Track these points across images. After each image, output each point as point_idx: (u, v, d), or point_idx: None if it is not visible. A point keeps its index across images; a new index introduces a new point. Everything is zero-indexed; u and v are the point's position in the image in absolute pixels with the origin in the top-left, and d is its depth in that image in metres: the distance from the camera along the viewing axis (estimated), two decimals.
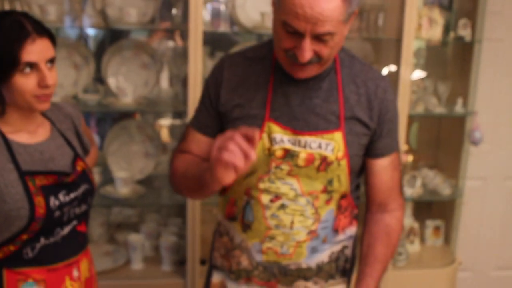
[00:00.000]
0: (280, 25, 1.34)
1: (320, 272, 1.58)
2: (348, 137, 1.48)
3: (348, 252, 1.62)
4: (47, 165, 1.48)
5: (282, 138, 1.46)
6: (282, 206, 1.49)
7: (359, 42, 2.97)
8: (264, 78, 1.50)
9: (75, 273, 1.55)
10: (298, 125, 1.46)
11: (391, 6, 2.64)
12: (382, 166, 1.56)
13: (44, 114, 1.56)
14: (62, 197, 1.48)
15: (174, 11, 2.65)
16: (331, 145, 1.46)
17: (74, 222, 1.55)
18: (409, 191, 2.78)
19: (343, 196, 1.55)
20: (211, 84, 1.55)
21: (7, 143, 1.44)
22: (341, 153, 1.47)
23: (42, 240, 1.48)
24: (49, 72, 1.42)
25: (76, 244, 1.57)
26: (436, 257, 3.00)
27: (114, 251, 2.77)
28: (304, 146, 1.46)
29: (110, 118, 3.17)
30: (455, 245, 3.07)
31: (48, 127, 1.56)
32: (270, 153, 1.46)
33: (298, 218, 1.50)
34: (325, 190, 1.50)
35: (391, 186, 1.58)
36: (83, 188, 1.55)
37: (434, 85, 2.86)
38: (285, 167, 1.47)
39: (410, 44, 2.53)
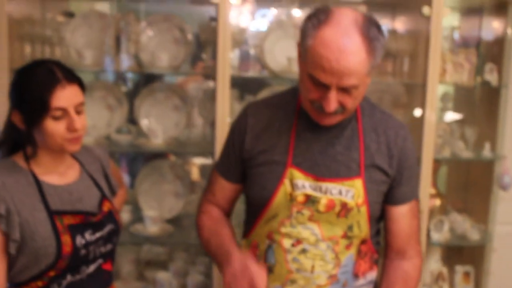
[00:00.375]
0: (307, 77, 1.40)
1: None
2: (368, 184, 1.52)
3: None
4: (75, 205, 1.56)
5: (304, 184, 1.50)
6: (303, 251, 1.52)
7: (393, 85, 3.01)
8: (287, 124, 1.55)
9: None
10: (320, 172, 1.51)
11: (417, 51, 2.68)
12: (401, 213, 1.59)
13: (74, 156, 1.64)
14: (88, 236, 1.55)
15: (204, 55, 2.75)
16: (351, 191, 1.50)
17: (100, 261, 1.62)
18: (436, 236, 2.76)
19: (363, 242, 1.58)
20: (236, 131, 1.61)
21: (38, 184, 1.52)
22: (361, 199, 1.51)
23: (69, 277, 1.54)
24: (78, 117, 1.50)
25: (101, 282, 1.63)
26: None
27: None
28: (325, 192, 1.50)
29: (142, 158, 3.26)
30: None
31: (78, 168, 1.64)
32: (291, 198, 1.50)
33: (319, 262, 1.53)
34: (345, 236, 1.53)
35: (409, 233, 1.61)
36: (108, 227, 1.61)
37: (462, 129, 2.87)
38: (306, 212, 1.51)
39: (434, 89, 2.56)
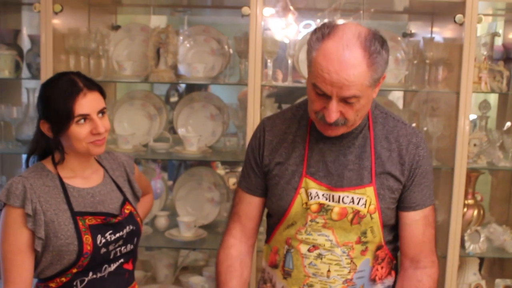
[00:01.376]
0: (311, 87, 1.45)
1: None
2: (379, 191, 1.55)
3: None
4: (97, 207, 1.66)
5: (317, 193, 1.56)
6: (319, 256, 1.57)
7: (424, 94, 2.99)
8: (301, 137, 1.61)
9: None
10: (332, 181, 1.55)
11: (451, 59, 2.65)
12: (413, 220, 1.60)
13: (99, 162, 1.75)
14: (108, 235, 1.64)
15: (241, 66, 2.82)
16: (363, 199, 1.54)
17: (121, 260, 1.70)
18: (471, 247, 2.71)
19: (378, 247, 1.60)
20: (255, 147, 1.67)
21: (64, 187, 1.63)
22: (373, 206, 1.54)
23: (91, 275, 1.63)
24: (101, 121, 1.61)
25: (122, 280, 1.71)
26: None
27: None
28: (338, 201, 1.55)
29: (183, 165, 3.36)
30: None
31: (102, 173, 1.74)
32: (307, 207, 1.56)
33: (335, 267, 1.57)
34: (360, 241, 1.57)
35: (422, 241, 1.61)
36: (128, 229, 1.70)
37: (501, 138, 2.81)
38: (320, 220, 1.56)
39: (468, 97, 2.52)
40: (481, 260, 3.00)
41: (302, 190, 1.57)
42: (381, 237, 1.59)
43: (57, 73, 1.68)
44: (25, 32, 3.03)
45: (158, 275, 2.99)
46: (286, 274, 1.62)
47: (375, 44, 1.40)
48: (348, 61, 1.37)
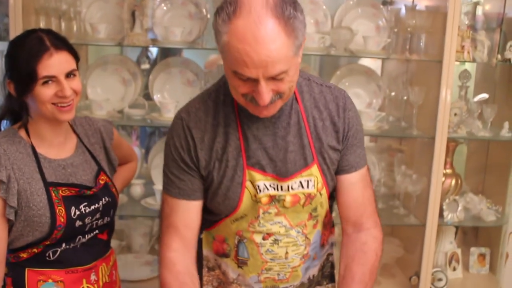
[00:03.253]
0: (232, 74, 1.30)
1: (311, 284, 1.62)
2: (323, 166, 1.49)
3: (331, 258, 1.67)
4: (69, 179, 1.59)
5: (265, 184, 1.45)
6: (275, 241, 1.50)
7: (404, 62, 2.95)
8: (231, 126, 1.45)
9: (93, 277, 1.64)
10: (277, 168, 1.45)
11: (434, 28, 2.61)
12: (351, 182, 1.54)
13: (73, 129, 1.66)
14: (83, 208, 1.57)
15: None
16: (311, 181, 1.47)
17: (96, 231, 1.64)
18: (449, 216, 2.72)
19: (325, 216, 1.58)
20: (183, 148, 1.46)
21: (36, 156, 1.55)
22: (320, 184, 1.49)
23: (64, 245, 1.57)
24: (70, 83, 1.51)
25: (96, 251, 1.66)
26: (480, 285, 2.90)
27: (154, 261, 2.86)
28: (288, 189, 1.46)
29: (157, 132, 3.28)
30: (500, 274, 2.96)
31: (74, 143, 1.65)
32: (256, 199, 1.46)
33: (292, 248, 1.52)
34: (311, 217, 1.53)
35: (363, 203, 1.56)
36: (104, 201, 1.63)
37: (480, 108, 2.80)
38: (273, 210, 1.48)
39: (451, 66, 2.49)
40: (456, 229, 3.02)
41: (248, 184, 1.45)
42: (327, 206, 1.56)
43: (26, 30, 1.58)
44: None
45: (133, 244, 2.93)
46: (242, 263, 1.54)
47: (287, 8, 1.24)
48: (265, 36, 1.21)
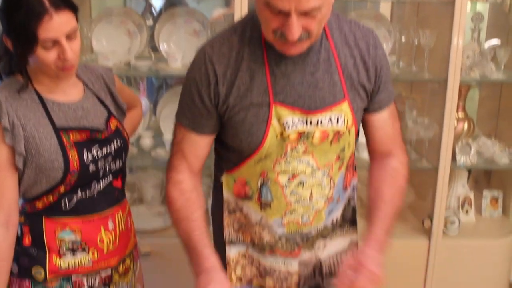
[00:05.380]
0: (264, 6, 1.27)
1: (334, 228, 1.62)
2: (353, 104, 1.47)
3: (353, 202, 1.67)
4: (80, 122, 1.56)
5: (293, 120, 1.43)
6: (300, 183, 1.49)
7: (414, 5, 2.89)
8: (257, 61, 1.42)
9: (110, 224, 1.63)
10: (305, 104, 1.43)
11: None
12: (383, 119, 1.56)
13: (77, 76, 1.63)
14: (95, 152, 1.56)
15: None
16: (341, 117, 1.45)
17: (110, 177, 1.63)
18: (462, 159, 2.70)
19: (351, 157, 1.57)
20: (203, 83, 1.43)
21: (42, 101, 1.52)
22: (350, 122, 1.47)
23: (79, 193, 1.56)
24: (70, 44, 1.45)
25: (112, 198, 1.65)
26: (492, 228, 2.91)
27: (166, 212, 2.85)
28: (317, 124, 1.44)
29: (165, 86, 3.26)
30: None
31: (81, 88, 1.62)
32: (283, 138, 1.44)
33: (316, 189, 1.51)
34: (338, 159, 1.52)
35: (393, 136, 1.60)
36: (116, 144, 1.62)
37: (493, 51, 2.74)
38: (301, 148, 1.46)
39: (463, 8, 2.43)
40: (468, 173, 3.01)
41: (274, 121, 1.42)
42: (354, 147, 1.55)
43: None
44: None
45: (145, 196, 2.95)
46: (265, 206, 1.53)
47: None
48: None
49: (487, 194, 2.99)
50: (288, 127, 1.43)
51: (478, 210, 3.01)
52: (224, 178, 1.58)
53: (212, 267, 1.40)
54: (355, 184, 1.67)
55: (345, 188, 1.60)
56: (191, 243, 1.45)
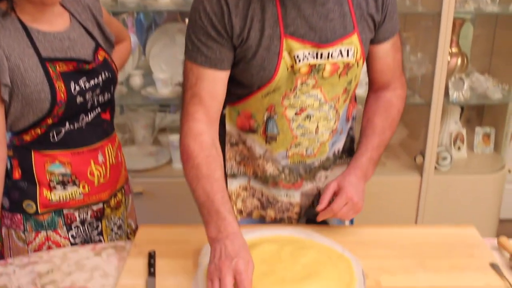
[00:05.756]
0: None
1: (335, 159, 1.63)
2: (362, 36, 1.45)
3: (352, 132, 1.68)
4: (67, 53, 1.51)
5: (304, 53, 1.40)
6: (308, 117, 1.48)
7: None
8: None
9: (100, 158, 1.62)
10: (316, 37, 1.40)
11: None
12: (386, 50, 1.55)
13: (63, 5, 1.57)
14: (82, 83, 1.52)
15: None
16: (351, 49, 1.43)
17: (98, 110, 1.60)
18: (455, 94, 2.68)
19: (354, 89, 1.57)
20: (216, 13, 1.37)
21: (27, 30, 1.46)
22: (359, 54, 1.45)
23: (67, 125, 1.53)
24: None
25: (101, 131, 1.62)
26: (484, 164, 2.93)
27: (157, 151, 2.87)
28: (327, 57, 1.41)
29: (154, 26, 3.20)
30: (505, 152, 2.97)
31: (67, 18, 1.57)
32: (294, 71, 1.41)
33: (322, 122, 1.50)
34: (345, 91, 1.51)
35: (393, 68, 1.58)
36: (104, 76, 1.58)
37: None
38: (311, 81, 1.44)
39: None
40: (461, 110, 3.00)
41: (285, 54, 1.39)
42: (359, 79, 1.54)
43: None
44: None
45: (136, 136, 2.93)
46: (270, 139, 1.52)
47: None
48: None
49: (479, 131, 3.00)
50: (300, 60, 1.39)
51: (470, 147, 3.02)
52: (227, 111, 1.54)
53: (236, 233, 1.30)
54: (355, 114, 1.68)
55: (347, 119, 1.60)
56: (214, 206, 1.33)
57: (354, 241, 1.50)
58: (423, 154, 2.70)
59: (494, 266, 1.38)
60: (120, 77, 2.70)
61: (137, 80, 2.72)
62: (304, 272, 1.30)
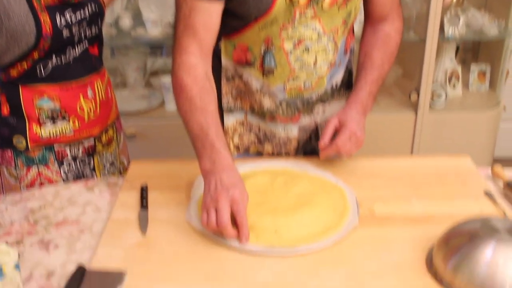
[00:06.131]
0: None
1: (333, 93, 1.60)
2: None
3: (350, 65, 1.64)
4: None
5: None
6: (306, 49, 1.44)
7: None
8: None
9: (89, 92, 1.59)
10: None
11: None
12: None
13: None
14: (68, 16, 1.48)
15: None
16: None
17: (86, 44, 1.57)
18: (450, 30, 2.63)
19: (353, 21, 1.53)
20: None
21: None
22: None
23: (54, 59, 1.50)
24: None
25: (89, 66, 1.60)
26: (479, 102, 2.91)
27: (150, 94, 2.84)
28: None
29: None
30: (500, 89, 2.95)
31: None
32: (292, 2, 1.36)
33: (321, 55, 1.47)
34: (344, 23, 1.47)
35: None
36: (90, 9, 1.54)
37: None
38: (310, 12, 1.39)
39: None
40: (457, 48, 2.96)
41: None
42: (359, 10, 1.50)
43: None
44: None
45: (128, 80, 2.90)
46: (267, 72, 1.48)
47: None
48: None
49: (474, 68, 2.96)
50: None
51: (466, 85, 3.00)
52: (223, 44, 1.50)
53: (231, 166, 1.29)
54: (353, 47, 1.65)
55: (345, 52, 1.57)
56: (208, 139, 1.31)
57: (348, 172, 1.50)
58: (418, 92, 2.68)
59: (488, 194, 1.38)
60: (109, 18, 2.65)
61: (126, 22, 2.67)
62: (297, 201, 1.30)
